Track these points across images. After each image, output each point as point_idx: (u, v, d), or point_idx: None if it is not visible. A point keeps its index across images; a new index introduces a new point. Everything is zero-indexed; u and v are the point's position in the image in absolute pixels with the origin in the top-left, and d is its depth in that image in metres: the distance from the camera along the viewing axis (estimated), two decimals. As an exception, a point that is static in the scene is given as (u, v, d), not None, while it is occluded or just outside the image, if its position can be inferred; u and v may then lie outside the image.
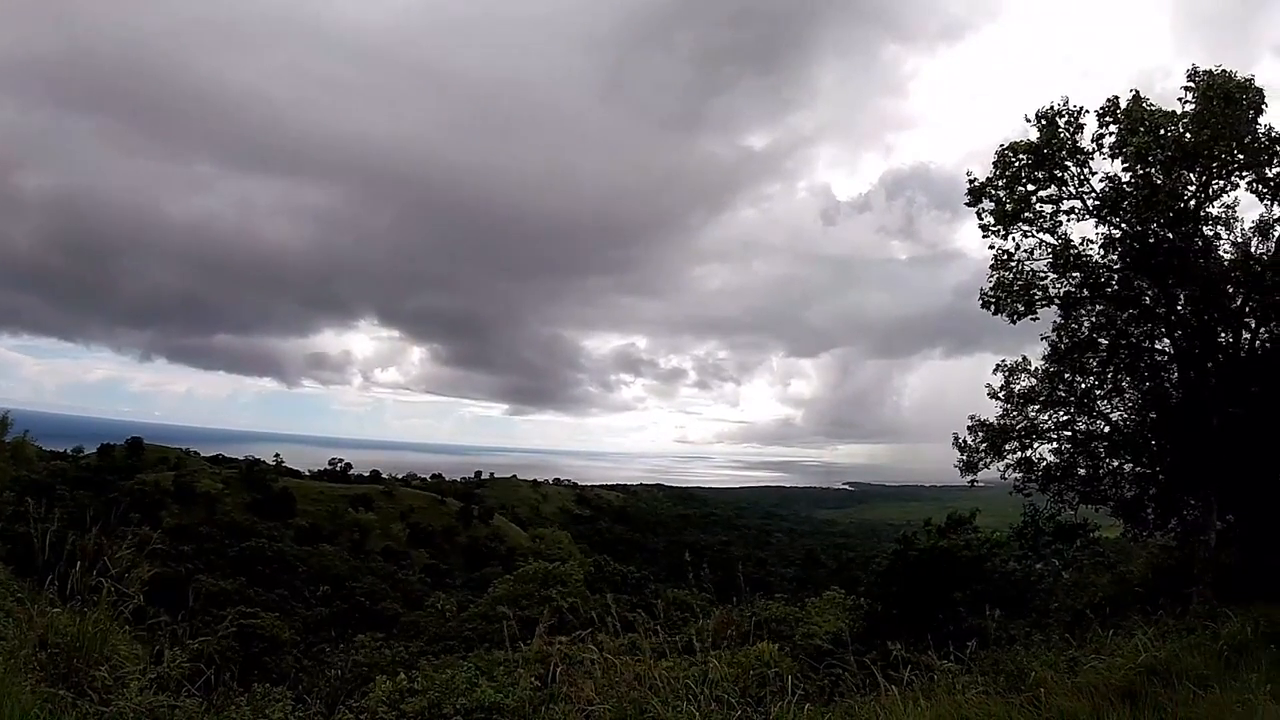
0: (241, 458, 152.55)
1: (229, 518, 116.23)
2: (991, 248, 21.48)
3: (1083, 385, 22.30)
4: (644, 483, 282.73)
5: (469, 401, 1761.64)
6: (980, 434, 22.57)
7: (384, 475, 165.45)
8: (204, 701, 7.09)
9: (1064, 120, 20.38)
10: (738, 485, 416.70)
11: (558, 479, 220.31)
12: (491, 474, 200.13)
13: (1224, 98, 19.04)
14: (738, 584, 12.63)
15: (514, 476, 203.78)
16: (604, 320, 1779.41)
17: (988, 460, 22.48)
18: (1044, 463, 22.40)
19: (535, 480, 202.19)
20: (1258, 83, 19.43)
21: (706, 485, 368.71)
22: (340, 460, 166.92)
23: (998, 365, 22.99)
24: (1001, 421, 22.46)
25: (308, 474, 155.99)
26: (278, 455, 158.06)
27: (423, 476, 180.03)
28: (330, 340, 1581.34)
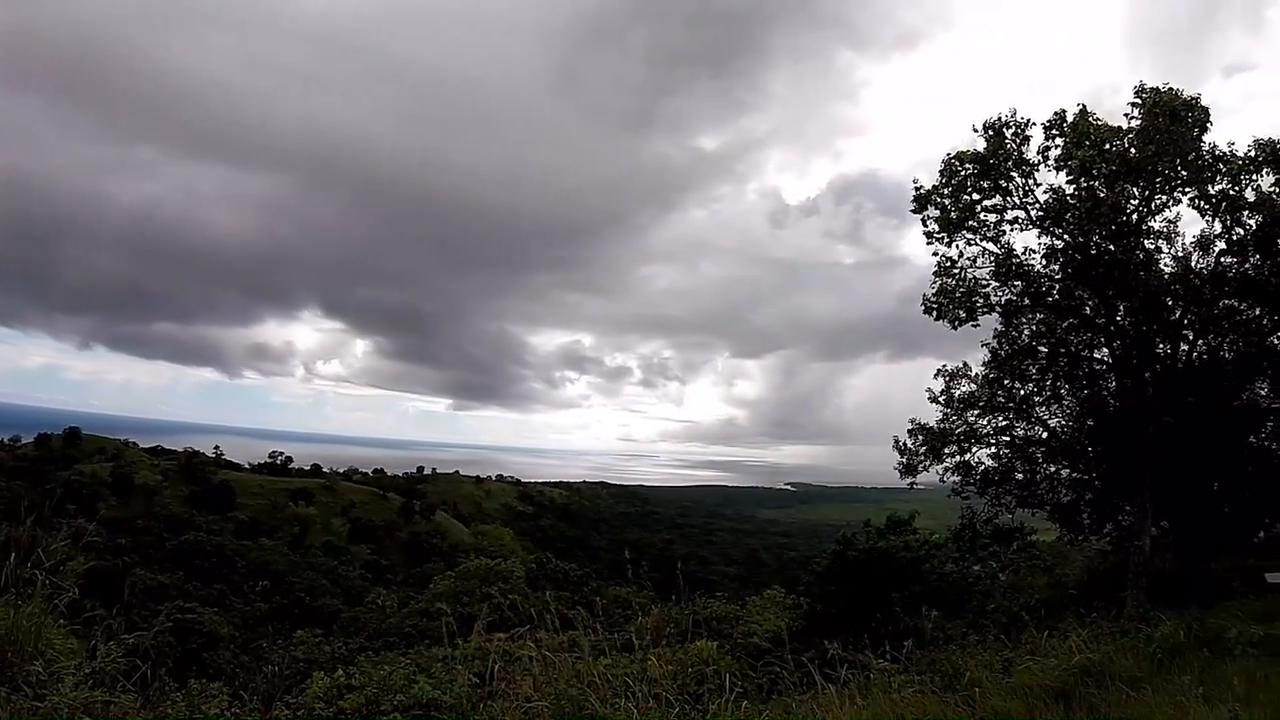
0: (181, 449, 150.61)
1: (167, 510, 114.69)
2: (935, 254, 21.60)
3: (1022, 392, 22.61)
4: (587, 480, 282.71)
5: (412, 396, 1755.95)
6: (920, 437, 22.78)
7: (325, 469, 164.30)
8: (139, 697, 6.98)
9: (1011, 132, 20.51)
10: (681, 484, 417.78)
11: (501, 475, 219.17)
12: (434, 469, 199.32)
13: (1170, 114, 19.29)
14: (678, 582, 12.65)
15: (457, 472, 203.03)
16: (550, 317, 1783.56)
17: (927, 463, 22.70)
18: (982, 467, 22.74)
19: (478, 476, 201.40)
20: (1205, 101, 19.73)
21: (650, 484, 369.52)
22: (281, 453, 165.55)
23: (939, 370, 23.31)
24: (941, 426, 22.70)
25: (248, 467, 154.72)
26: (217, 447, 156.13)
27: (364, 471, 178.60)
28: (272, 331, 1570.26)
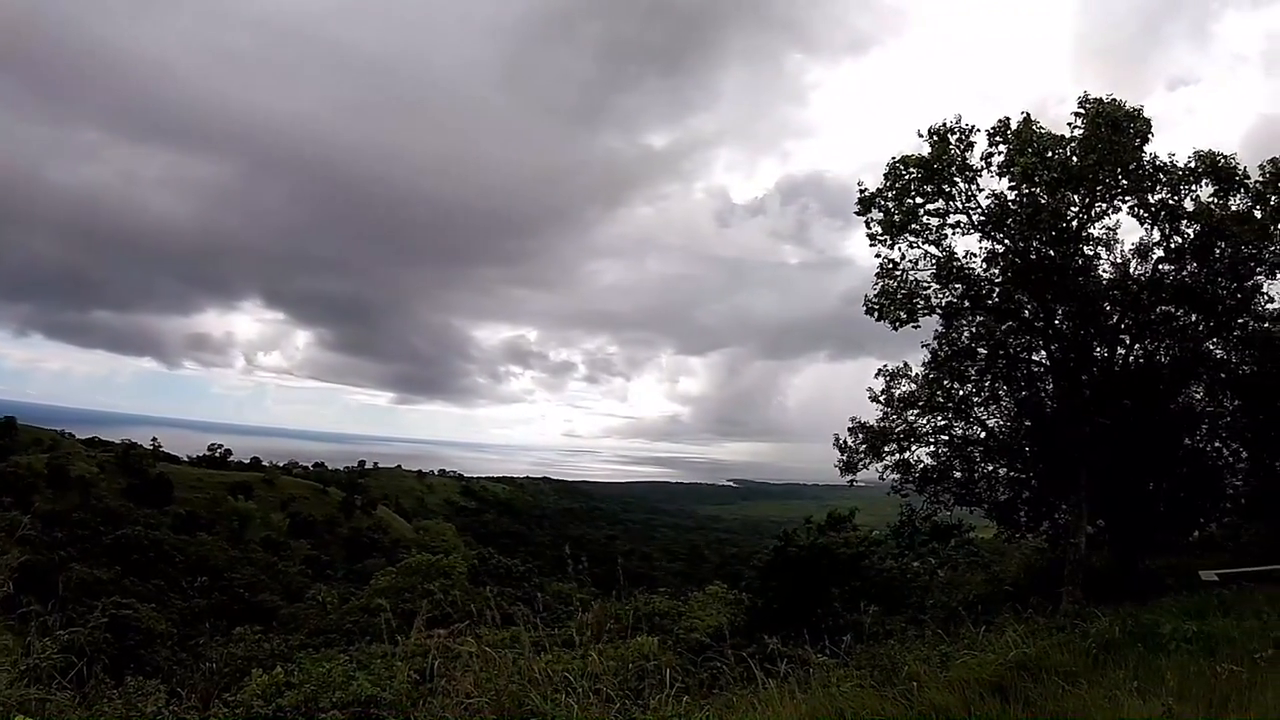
0: (118, 441, 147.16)
1: (104, 503, 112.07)
2: (878, 256, 21.77)
3: (961, 392, 22.88)
4: (531, 476, 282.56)
5: (354, 389, 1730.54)
6: (860, 436, 22.95)
7: (265, 463, 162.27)
8: (76, 695, 6.88)
9: (955, 137, 20.74)
10: (625, 480, 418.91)
11: (443, 470, 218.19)
12: (376, 464, 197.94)
13: (1112, 125, 19.62)
14: (620, 578, 12.67)
15: (399, 467, 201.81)
16: (495, 311, 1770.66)
17: (867, 461, 22.85)
18: (921, 465, 22.93)
19: (420, 471, 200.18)
20: (1147, 113, 20.10)
21: (593, 480, 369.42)
22: (220, 446, 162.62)
23: (880, 370, 23.42)
24: (881, 424, 22.86)
25: (186, 460, 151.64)
26: (155, 439, 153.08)
27: (305, 465, 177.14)
28: (213, 321, 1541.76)
